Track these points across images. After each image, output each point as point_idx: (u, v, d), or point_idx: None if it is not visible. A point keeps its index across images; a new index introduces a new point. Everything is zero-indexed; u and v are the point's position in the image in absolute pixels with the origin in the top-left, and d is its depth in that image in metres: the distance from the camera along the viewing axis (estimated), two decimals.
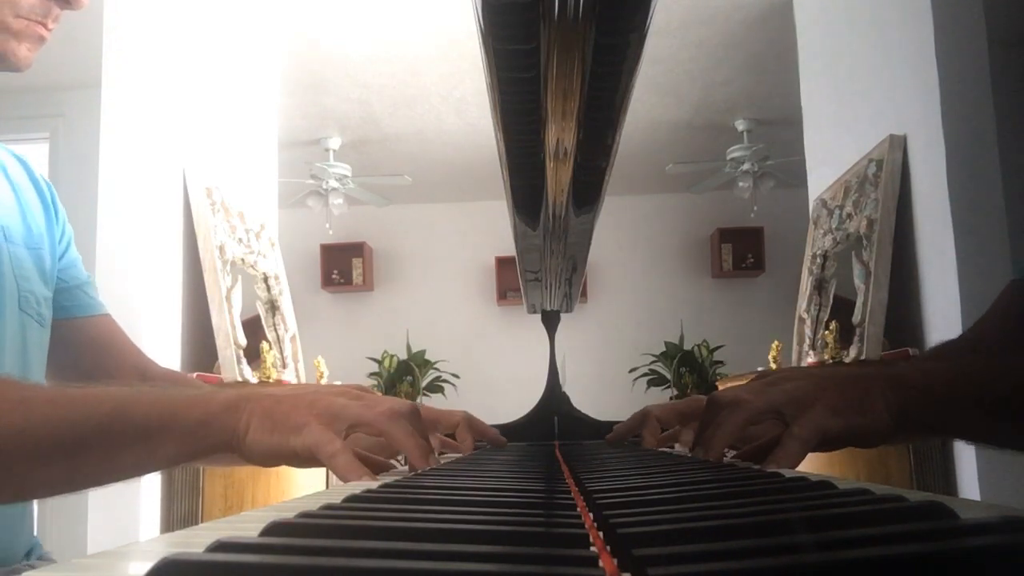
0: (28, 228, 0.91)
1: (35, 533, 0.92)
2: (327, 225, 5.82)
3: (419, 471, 0.64)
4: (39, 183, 0.97)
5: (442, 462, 0.76)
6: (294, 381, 2.97)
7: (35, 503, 0.90)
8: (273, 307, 3.08)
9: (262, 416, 0.61)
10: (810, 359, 2.95)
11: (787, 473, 0.52)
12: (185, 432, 0.60)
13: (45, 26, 0.79)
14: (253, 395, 0.63)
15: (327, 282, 6.39)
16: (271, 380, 2.75)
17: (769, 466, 0.59)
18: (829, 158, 3.19)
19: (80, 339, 0.97)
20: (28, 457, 0.57)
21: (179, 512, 2.41)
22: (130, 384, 0.84)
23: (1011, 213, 2.24)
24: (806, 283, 3.11)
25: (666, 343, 5.38)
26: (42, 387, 0.63)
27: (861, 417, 0.60)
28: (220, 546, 0.25)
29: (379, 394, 0.76)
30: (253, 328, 2.94)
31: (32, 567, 0.68)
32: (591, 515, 0.37)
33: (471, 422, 0.93)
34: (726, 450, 0.69)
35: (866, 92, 2.87)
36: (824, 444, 0.62)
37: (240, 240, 2.92)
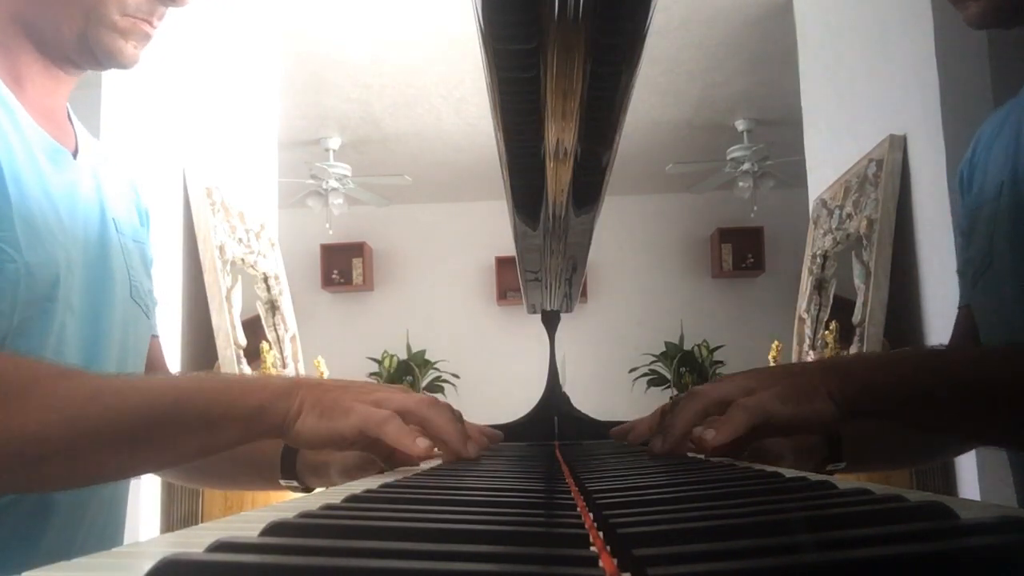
0: (132, 224, 0.91)
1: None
2: (327, 225, 5.82)
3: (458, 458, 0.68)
4: (137, 195, 0.97)
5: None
6: None
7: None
8: (273, 307, 3.08)
9: (312, 403, 0.64)
10: (810, 359, 2.95)
11: (787, 473, 0.52)
12: (243, 419, 0.64)
13: (151, 23, 0.80)
14: (304, 383, 0.67)
15: (327, 282, 6.39)
16: None
17: (710, 434, 0.64)
18: (829, 158, 3.19)
19: None
20: (100, 446, 0.62)
21: (179, 512, 2.41)
22: (191, 374, 0.85)
23: None
24: (806, 283, 3.11)
25: (666, 343, 5.38)
26: (111, 378, 0.67)
27: (808, 404, 0.65)
28: (220, 546, 0.25)
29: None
30: (253, 328, 2.94)
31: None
32: (591, 515, 0.37)
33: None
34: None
35: (866, 92, 2.87)
36: (771, 431, 0.67)
37: (240, 240, 2.92)
